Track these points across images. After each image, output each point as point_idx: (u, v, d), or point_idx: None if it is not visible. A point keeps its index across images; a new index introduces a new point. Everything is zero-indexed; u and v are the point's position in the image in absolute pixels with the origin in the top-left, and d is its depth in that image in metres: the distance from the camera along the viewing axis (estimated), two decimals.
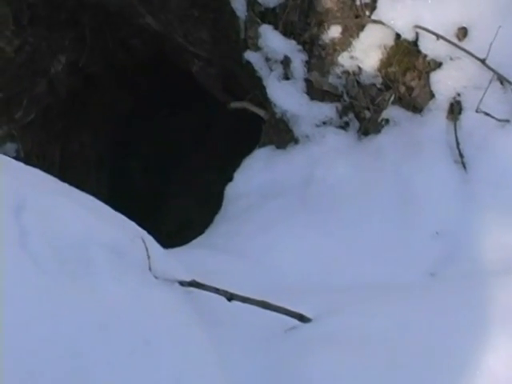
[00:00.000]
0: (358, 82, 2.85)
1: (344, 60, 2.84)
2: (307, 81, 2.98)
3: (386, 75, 2.78)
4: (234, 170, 3.14)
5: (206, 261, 2.44)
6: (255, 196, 2.94)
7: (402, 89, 2.74)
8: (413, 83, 2.72)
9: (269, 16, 3.07)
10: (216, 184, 3.40)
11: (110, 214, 1.90)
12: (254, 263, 2.46)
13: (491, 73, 2.52)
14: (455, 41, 2.59)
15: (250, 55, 3.14)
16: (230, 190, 3.09)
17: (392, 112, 2.76)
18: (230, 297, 1.85)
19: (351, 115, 2.90)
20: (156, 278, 1.75)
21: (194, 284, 1.84)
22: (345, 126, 2.92)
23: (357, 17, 2.80)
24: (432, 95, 2.66)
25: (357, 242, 2.49)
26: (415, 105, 2.71)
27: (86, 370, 1.43)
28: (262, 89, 3.13)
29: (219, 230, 2.93)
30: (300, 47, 2.98)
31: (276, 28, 3.03)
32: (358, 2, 2.79)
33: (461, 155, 2.53)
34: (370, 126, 2.84)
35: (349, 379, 1.74)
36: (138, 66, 4.65)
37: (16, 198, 1.61)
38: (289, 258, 2.48)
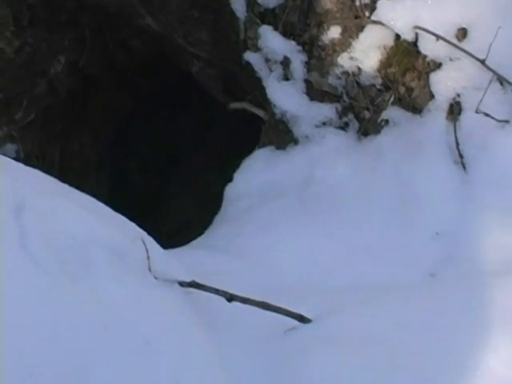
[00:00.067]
0: (357, 83, 2.85)
1: (344, 61, 2.84)
2: (307, 81, 2.98)
3: (386, 76, 2.78)
4: (233, 171, 3.14)
5: (206, 261, 2.44)
6: (255, 196, 2.94)
7: (402, 89, 2.74)
8: (412, 84, 2.72)
9: (268, 17, 3.07)
10: (216, 185, 3.39)
11: (110, 215, 1.90)
12: (254, 264, 2.46)
13: (491, 73, 2.52)
14: (455, 41, 2.60)
15: (249, 56, 3.14)
16: (230, 190, 3.09)
17: (392, 113, 2.76)
18: (230, 297, 1.85)
19: (351, 116, 2.90)
20: (156, 278, 1.75)
21: (193, 285, 1.84)
22: (344, 127, 2.92)
23: (356, 17, 2.80)
24: (432, 96, 2.66)
25: (357, 243, 2.49)
26: (415, 105, 2.71)
27: (86, 371, 1.43)
28: (262, 89, 3.12)
29: (219, 230, 2.93)
30: (300, 48, 2.98)
31: (276, 29, 3.03)
32: (357, 3, 2.79)
33: (460, 156, 2.53)
34: (369, 127, 2.84)
35: (349, 379, 1.74)
36: (138, 66, 4.65)
37: (16, 198, 1.61)
38: (289, 258, 2.48)
